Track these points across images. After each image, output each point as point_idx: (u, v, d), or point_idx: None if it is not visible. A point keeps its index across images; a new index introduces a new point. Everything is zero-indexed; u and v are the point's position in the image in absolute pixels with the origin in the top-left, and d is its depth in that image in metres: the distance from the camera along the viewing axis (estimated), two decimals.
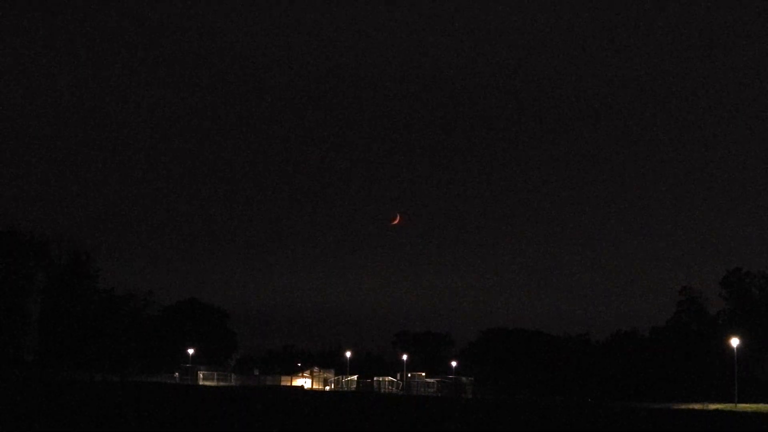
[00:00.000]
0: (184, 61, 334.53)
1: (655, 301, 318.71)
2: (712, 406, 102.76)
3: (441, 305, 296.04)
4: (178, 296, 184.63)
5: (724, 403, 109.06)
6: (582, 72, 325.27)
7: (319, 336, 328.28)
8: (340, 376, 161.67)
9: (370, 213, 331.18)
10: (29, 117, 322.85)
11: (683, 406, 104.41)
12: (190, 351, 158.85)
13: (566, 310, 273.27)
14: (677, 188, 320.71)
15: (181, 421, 49.18)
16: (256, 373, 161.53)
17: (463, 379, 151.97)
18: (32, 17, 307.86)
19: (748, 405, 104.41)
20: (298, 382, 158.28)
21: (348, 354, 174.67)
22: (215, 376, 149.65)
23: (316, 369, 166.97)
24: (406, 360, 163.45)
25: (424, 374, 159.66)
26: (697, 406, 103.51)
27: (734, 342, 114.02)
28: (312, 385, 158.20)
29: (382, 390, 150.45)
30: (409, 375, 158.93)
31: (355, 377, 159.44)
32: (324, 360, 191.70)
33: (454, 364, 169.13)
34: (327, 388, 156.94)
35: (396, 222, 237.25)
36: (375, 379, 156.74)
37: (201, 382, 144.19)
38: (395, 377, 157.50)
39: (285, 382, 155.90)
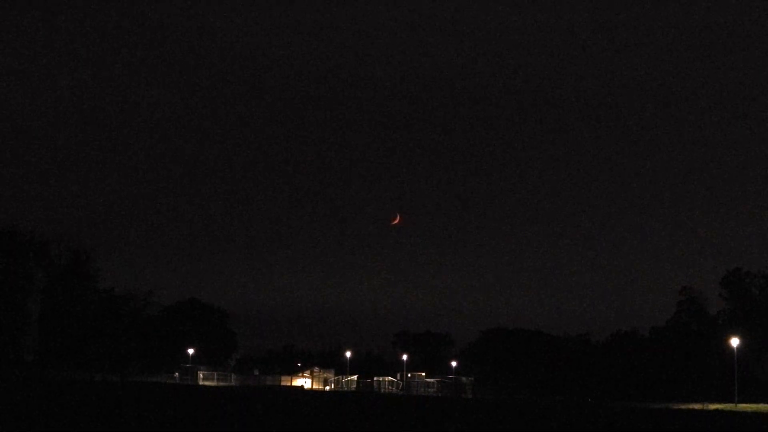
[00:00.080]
0: (184, 61, 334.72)
1: (655, 301, 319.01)
2: (712, 406, 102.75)
3: (441, 305, 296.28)
4: (178, 296, 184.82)
5: (724, 403, 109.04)
6: (582, 72, 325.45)
7: (319, 336, 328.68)
8: (340, 376, 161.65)
9: (370, 213, 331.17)
10: (29, 117, 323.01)
11: (683, 406, 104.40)
12: (190, 351, 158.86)
13: (566, 310, 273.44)
14: (677, 188, 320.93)
15: (181, 421, 49.17)
16: (256, 373, 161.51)
17: (463, 379, 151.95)
18: (32, 17, 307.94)
19: (748, 405, 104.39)
20: (298, 382, 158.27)
21: (348, 354, 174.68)
22: (215, 376, 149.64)
23: (316, 369, 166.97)
24: (406, 360, 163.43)
25: (424, 374, 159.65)
26: (697, 406, 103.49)
27: (734, 342, 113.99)
28: (312, 385, 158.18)
29: (382, 390, 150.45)
30: (409, 375, 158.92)
31: (355, 377, 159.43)
32: (324, 360, 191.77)
33: (454, 364, 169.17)
34: (327, 388, 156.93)
35: (396, 222, 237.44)
36: (375, 379, 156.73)
37: (201, 382, 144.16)
38: (395, 377, 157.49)
39: (285, 382, 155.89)
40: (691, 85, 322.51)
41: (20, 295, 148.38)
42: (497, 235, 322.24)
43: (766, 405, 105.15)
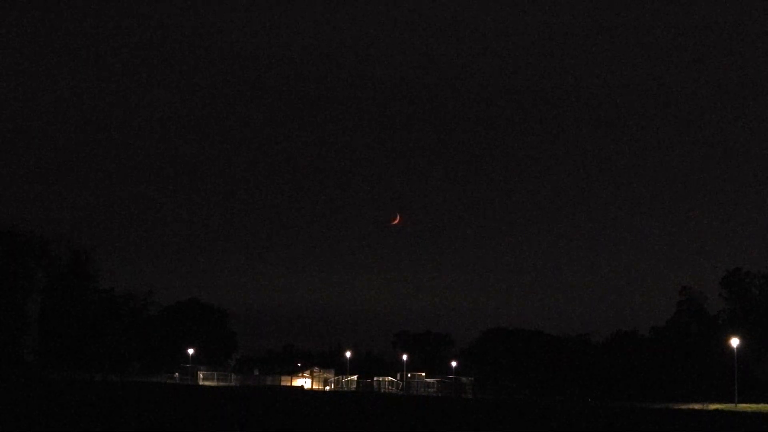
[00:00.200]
0: (184, 61, 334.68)
1: (655, 301, 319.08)
2: (712, 406, 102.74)
3: (441, 305, 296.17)
4: (178, 296, 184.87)
5: (724, 403, 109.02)
6: (582, 72, 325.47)
7: (319, 336, 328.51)
8: (340, 377, 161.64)
9: (369, 213, 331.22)
10: (29, 117, 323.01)
11: (683, 406, 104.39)
12: (190, 351, 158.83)
13: (566, 310, 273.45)
14: (677, 188, 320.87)
15: (181, 421, 49.16)
16: (256, 373, 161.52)
17: (463, 379, 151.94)
18: (32, 17, 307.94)
19: (748, 405, 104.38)
20: (298, 382, 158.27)
21: (348, 354, 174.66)
22: (215, 376, 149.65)
23: (316, 369, 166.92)
24: (406, 360, 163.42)
25: (424, 374, 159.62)
26: (697, 407, 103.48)
27: (734, 342, 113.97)
28: (312, 385, 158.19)
29: (382, 390, 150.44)
30: (409, 375, 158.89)
31: (355, 377, 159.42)
32: (324, 360, 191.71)
33: (454, 364, 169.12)
34: (327, 388, 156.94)
35: (396, 222, 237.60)
36: (375, 379, 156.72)
37: (201, 382, 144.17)
38: (395, 377, 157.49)
39: (285, 382, 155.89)
40: (691, 85, 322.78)
41: (20, 295, 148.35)
42: (497, 235, 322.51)
43: (766, 405, 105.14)
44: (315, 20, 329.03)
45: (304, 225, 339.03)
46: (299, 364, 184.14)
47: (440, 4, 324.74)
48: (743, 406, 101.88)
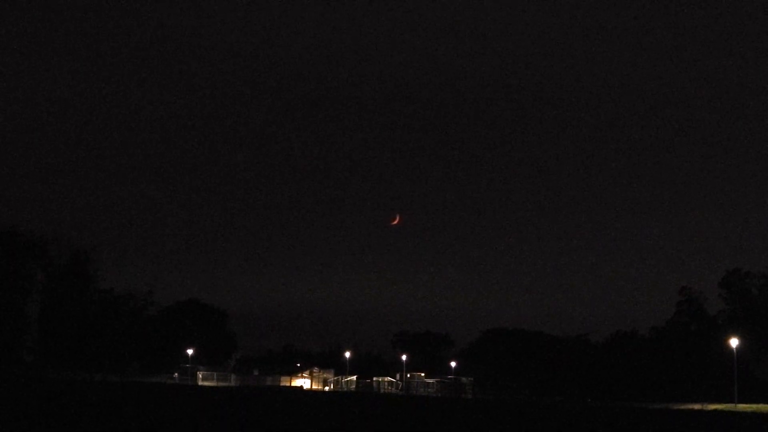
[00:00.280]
0: (184, 61, 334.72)
1: (655, 301, 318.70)
2: (712, 407, 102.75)
3: (441, 305, 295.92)
4: (177, 296, 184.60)
5: (724, 403, 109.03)
6: (582, 73, 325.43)
7: (319, 336, 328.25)
8: (340, 377, 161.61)
9: (369, 213, 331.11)
10: (29, 117, 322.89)
11: (683, 407, 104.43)
12: (190, 351, 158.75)
13: (566, 310, 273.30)
14: (677, 188, 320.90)
15: (181, 421, 49.18)
16: (256, 373, 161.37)
17: (463, 379, 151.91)
18: (32, 17, 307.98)
19: (747, 405, 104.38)
20: (297, 382, 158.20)
21: (347, 354, 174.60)
22: (215, 377, 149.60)
23: (315, 369, 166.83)
24: (406, 360, 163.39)
25: (423, 374, 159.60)
26: (696, 407, 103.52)
27: (734, 342, 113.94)
28: (311, 386, 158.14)
29: (382, 390, 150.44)
30: (409, 375, 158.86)
31: (354, 377, 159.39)
32: (324, 360, 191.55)
33: (453, 364, 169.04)
34: (326, 388, 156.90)
35: (395, 222, 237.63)
36: (374, 379, 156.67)
37: (200, 383, 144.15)
38: (395, 377, 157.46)
39: (284, 382, 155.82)
40: (691, 85, 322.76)
41: (20, 295, 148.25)
42: (497, 235, 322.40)
43: (765, 405, 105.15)
44: (315, 20, 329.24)
45: (304, 225, 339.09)
46: (299, 365, 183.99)
47: (440, 4, 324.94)
48: (743, 407, 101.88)
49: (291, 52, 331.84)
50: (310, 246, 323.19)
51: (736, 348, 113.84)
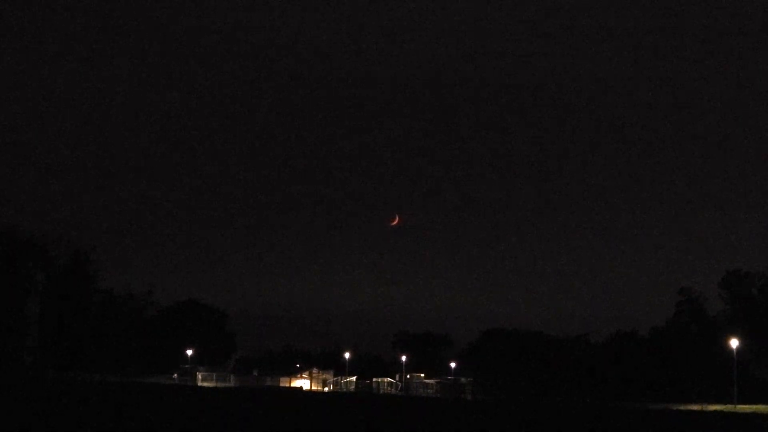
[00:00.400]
0: (185, 61, 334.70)
1: (655, 301, 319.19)
2: (712, 407, 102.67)
3: (440, 306, 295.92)
4: (177, 297, 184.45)
5: (724, 403, 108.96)
6: (582, 73, 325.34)
7: (319, 337, 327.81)
8: (339, 377, 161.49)
9: (369, 213, 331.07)
10: (29, 117, 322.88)
11: (682, 407, 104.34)
12: (189, 352, 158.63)
13: (566, 310, 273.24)
14: (677, 188, 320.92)
15: (180, 422, 49.11)
16: (255, 374, 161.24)
17: (462, 380, 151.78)
18: (32, 17, 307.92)
19: (747, 406, 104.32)
20: (297, 383, 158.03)
21: (347, 355, 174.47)
22: (214, 377, 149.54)
23: (315, 370, 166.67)
24: (405, 361, 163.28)
25: (423, 375, 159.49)
26: (696, 407, 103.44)
27: (734, 343, 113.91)
28: (311, 386, 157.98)
29: (381, 391, 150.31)
30: (408, 376, 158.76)
31: (354, 378, 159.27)
32: (323, 361, 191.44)
33: (453, 365, 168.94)
34: (326, 389, 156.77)
35: (395, 223, 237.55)
36: (374, 380, 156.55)
37: (200, 383, 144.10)
38: (394, 378, 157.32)
39: (284, 383, 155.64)
40: (692, 85, 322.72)
41: (20, 295, 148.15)
42: (497, 235, 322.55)
43: (765, 406, 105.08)
44: (315, 20, 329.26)
45: (303, 225, 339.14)
46: (298, 365, 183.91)
47: (440, 4, 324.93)
48: (742, 407, 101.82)
49: (291, 52, 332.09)
50: (310, 246, 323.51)
51: (736, 348, 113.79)
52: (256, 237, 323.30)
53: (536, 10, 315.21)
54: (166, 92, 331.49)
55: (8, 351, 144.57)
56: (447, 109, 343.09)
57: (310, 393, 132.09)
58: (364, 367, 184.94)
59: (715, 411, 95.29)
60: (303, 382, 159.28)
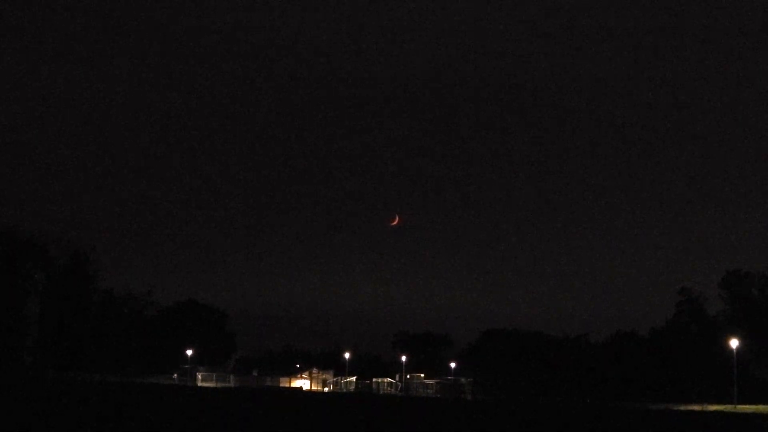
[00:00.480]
0: (184, 61, 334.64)
1: (655, 301, 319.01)
2: (712, 407, 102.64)
3: (440, 306, 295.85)
4: (176, 297, 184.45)
5: (724, 403, 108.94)
6: (582, 73, 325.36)
7: (319, 337, 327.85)
8: (339, 377, 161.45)
9: (369, 213, 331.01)
10: (29, 117, 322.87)
11: (682, 407, 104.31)
12: (189, 352, 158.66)
13: (566, 310, 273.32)
14: (677, 188, 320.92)
15: (179, 422, 49.08)
16: (255, 374, 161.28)
17: (462, 380, 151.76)
18: (32, 17, 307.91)
19: (747, 406, 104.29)
20: (297, 383, 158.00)
21: (347, 355, 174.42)
22: (214, 377, 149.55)
23: (315, 370, 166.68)
24: (405, 361, 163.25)
25: (423, 375, 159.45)
26: (696, 407, 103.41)
27: (734, 343, 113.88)
28: (311, 387, 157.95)
29: (381, 391, 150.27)
30: (408, 376, 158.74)
31: (353, 378, 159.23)
32: (323, 361, 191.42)
33: (453, 365, 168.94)
34: (326, 389, 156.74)
35: (395, 223, 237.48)
36: (374, 380, 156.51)
37: (200, 383, 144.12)
38: (394, 378, 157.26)
39: (284, 383, 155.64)
40: (691, 85, 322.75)
41: (19, 296, 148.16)
42: (497, 235, 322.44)
43: (765, 406, 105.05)
44: (315, 20, 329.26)
45: (304, 225, 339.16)
46: (298, 365, 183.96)
47: (440, 4, 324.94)
48: (743, 407, 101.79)
49: (291, 52, 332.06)
50: (310, 246, 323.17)
51: (736, 348, 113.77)
52: (256, 237, 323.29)
53: (536, 10, 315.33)
54: (166, 92, 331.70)
55: (8, 351, 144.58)
56: (447, 109, 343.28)
57: (310, 393, 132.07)
58: (364, 367, 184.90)
59: (716, 411, 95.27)
60: (303, 383, 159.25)
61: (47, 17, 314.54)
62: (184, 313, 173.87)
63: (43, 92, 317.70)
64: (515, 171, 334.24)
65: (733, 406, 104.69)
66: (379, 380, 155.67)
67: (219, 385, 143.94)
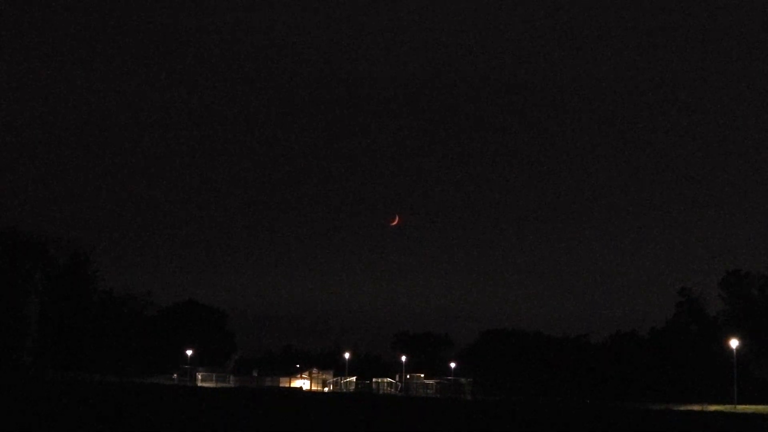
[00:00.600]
0: (184, 62, 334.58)
1: (655, 302, 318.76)
2: (712, 408, 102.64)
3: (440, 306, 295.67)
4: (176, 297, 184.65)
5: (724, 404, 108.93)
6: (583, 73, 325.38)
7: (318, 337, 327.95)
8: (339, 378, 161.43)
9: (369, 213, 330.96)
10: (29, 117, 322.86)
11: (682, 407, 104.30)
12: (189, 352, 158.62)
13: (566, 310, 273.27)
14: (677, 188, 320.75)
15: (179, 422, 49.06)
16: (255, 374, 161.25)
17: (462, 380, 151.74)
18: (32, 17, 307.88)
19: (747, 406, 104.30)
20: (296, 383, 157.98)
21: (347, 355, 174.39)
22: (214, 378, 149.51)
23: (315, 370, 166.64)
24: (405, 361, 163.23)
25: (423, 375, 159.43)
26: (696, 408, 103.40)
27: (734, 343, 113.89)
28: (311, 387, 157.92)
29: (381, 391, 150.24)
30: (408, 376, 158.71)
31: (353, 378, 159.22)
32: (323, 361, 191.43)
33: (453, 365, 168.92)
34: (326, 389, 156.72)
35: (395, 223, 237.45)
36: (374, 380, 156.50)
37: (199, 384, 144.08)
38: (394, 378, 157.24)
39: (284, 383, 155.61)
40: (692, 85, 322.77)
41: (19, 296, 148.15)
42: (497, 235, 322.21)
43: (765, 406, 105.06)
44: (315, 21, 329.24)
45: (303, 225, 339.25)
46: (298, 365, 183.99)
47: (440, 4, 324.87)
48: (743, 407, 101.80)
49: (291, 52, 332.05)
50: (310, 246, 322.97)
51: (736, 348, 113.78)
52: (256, 237, 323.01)
53: (537, 10, 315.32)
54: (166, 92, 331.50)
55: (8, 351, 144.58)
56: (447, 109, 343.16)
57: (310, 393, 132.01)
58: (364, 367, 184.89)
59: (716, 411, 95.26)
60: (303, 383, 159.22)
61: (47, 17, 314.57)
62: (183, 313, 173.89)
63: (43, 92, 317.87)
64: (515, 171, 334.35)
65: (733, 406, 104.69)
66: (379, 380, 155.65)
67: (219, 385, 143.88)
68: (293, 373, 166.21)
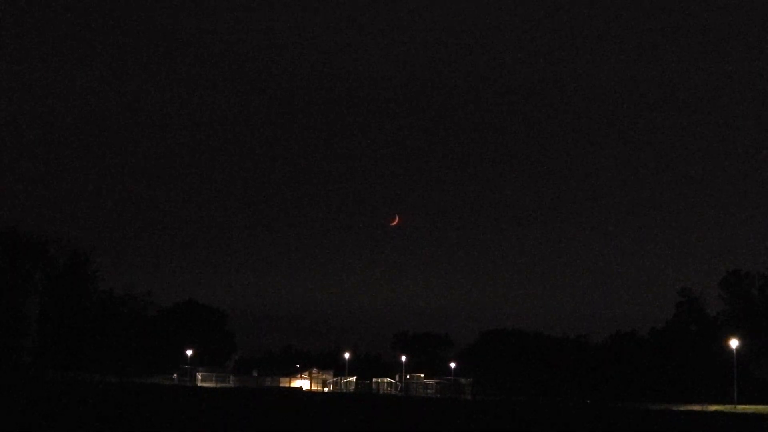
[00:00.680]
0: (184, 61, 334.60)
1: (655, 302, 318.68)
2: (712, 408, 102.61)
3: (441, 306, 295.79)
4: (176, 297, 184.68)
5: (724, 404, 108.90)
6: (582, 73, 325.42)
7: (318, 337, 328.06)
8: (339, 378, 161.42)
9: (369, 213, 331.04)
10: (29, 117, 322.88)
11: (682, 407, 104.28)
12: (189, 352, 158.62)
13: (566, 310, 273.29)
14: (677, 188, 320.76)
15: (179, 422, 49.05)
16: (255, 374, 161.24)
17: (462, 380, 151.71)
18: (32, 17, 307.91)
19: (747, 406, 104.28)
20: (296, 383, 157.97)
21: (347, 355, 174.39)
22: (214, 378, 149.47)
23: (314, 370, 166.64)
24: (405, 361, 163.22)
25: (423, 375, 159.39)
26: (696, 408, 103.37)
27: (734, 343, 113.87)
28: (311, 387, 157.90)
29: (381, 391, 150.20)
30: (408, 376, 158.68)
31: (353, 378, 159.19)
32: (323, 361, 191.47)
33: (453, 365, 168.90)
34: (326, 389, 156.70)
35: (395, 223, 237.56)
36: (374, 380, 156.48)
37: (199, 384, 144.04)
38: (394, 378, 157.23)
39: (284, 383, 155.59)
40: (691, 85, 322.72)
41: (19, 296, 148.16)
42: (496, 235, 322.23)
43: (765, 406, 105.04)
44: (315, 21, 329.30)
45: (303, 225, 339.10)
46: (298, 365, 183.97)
47: (440, 4, 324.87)
48: (743, 407, 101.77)
49: (291, 52, 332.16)
50: (310, 246, 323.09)
51: (736, 349, 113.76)
52: (256, 237, 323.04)
53: (536, 10, 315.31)
54: (166, 92, 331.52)
55: (8, 351, 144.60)
56: (447, 109, 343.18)
57: (309, 393, 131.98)
58: (363, 367, 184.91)
59: (716, 411, 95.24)
60: (303, 383, 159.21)
61: (47, 17, 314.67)
62: (183, 314, 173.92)
63: (43, 92, 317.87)
64: (515, 171, 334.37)
65: (733, 406, 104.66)
66: (379, 380, 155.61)
67: (219, 385, 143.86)
68: (293, 373, 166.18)
